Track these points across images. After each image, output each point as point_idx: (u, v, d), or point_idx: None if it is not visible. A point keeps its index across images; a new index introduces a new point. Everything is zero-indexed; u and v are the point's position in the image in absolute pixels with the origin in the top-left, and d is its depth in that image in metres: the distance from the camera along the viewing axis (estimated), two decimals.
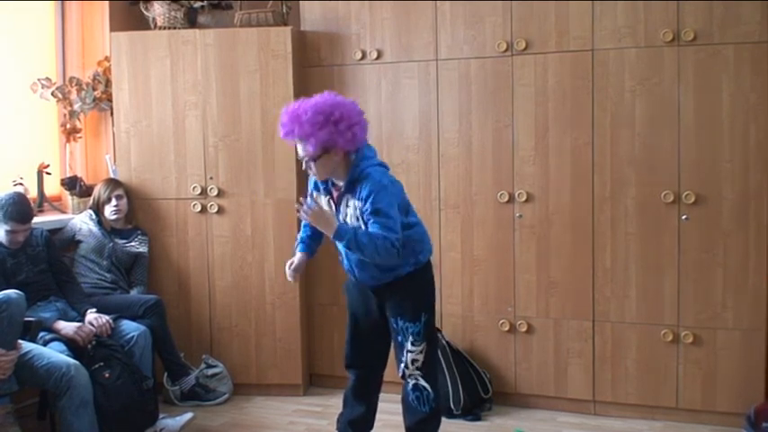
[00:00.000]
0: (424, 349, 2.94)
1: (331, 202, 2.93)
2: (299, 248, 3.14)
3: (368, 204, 2.75)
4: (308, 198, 2.96)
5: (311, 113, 2.70)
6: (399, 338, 2.96)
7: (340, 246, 2.88)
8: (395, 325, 2.96)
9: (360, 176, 2.79)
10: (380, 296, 2.98)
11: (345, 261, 3.01)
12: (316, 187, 3.00)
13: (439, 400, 3.04)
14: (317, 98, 2.78)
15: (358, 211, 2.80)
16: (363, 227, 2.80)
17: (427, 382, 2.96)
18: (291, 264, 3.08)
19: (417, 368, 2.94)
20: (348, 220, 2.85)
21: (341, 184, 2.87)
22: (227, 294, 4.21)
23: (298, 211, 2.79)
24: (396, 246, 2.72)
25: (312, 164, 2.79)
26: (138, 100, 4.18)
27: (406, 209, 2.93)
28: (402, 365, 2.97)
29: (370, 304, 3.03)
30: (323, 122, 2.69)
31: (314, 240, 3.15)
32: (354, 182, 2.80)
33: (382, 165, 2.92)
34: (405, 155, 4.06)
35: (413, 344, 2.92)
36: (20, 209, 3.39)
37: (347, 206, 2.85)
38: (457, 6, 3.91)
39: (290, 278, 3.09)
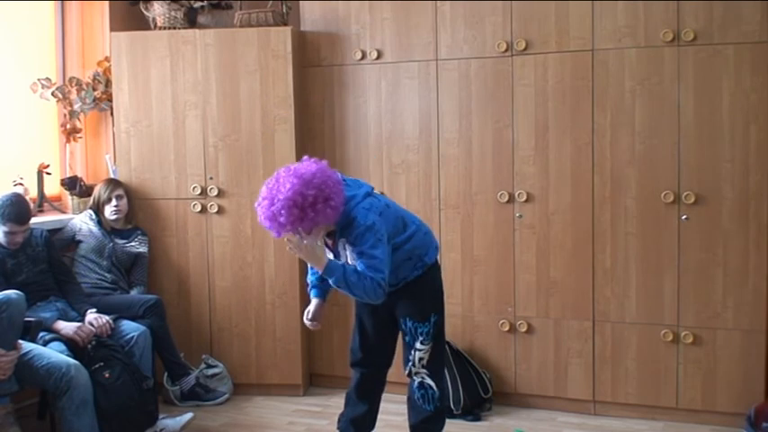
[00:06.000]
0: (431, 348, 2.95)
1: (327, 245, 2.91)
2: (312, 294, 3.10)
3: (355, 246, 2.78)
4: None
5: (285, 212, 2.63)
6: (407, 339, 2.97)
7: None
8: (404, 326, 2.97)
9: (348, 219, 2.78)
10: (390, 298, 2.97)
11: None
12: None
13: (444, 400, 3.05)
14: (284, 183, 2.66)
15: (355, 254, 2.81)
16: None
17: (433, 380, 2.97)
18: (308, 313, 3.08)
19: (423, 366, 2.96)
20: (350, 261, 2.86)
21: (334, 228, 2.85)
22: (227, 294, 4.21)
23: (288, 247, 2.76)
24: (381, 286, 2.74)
25: (307, 237, 2.76)
26: (138, 100, 4.18)
27: (402, 225, 2.93)
28: (409, 363, 2.98)
29: (378, 305, 3.02)
30: (299, 214, 2.64)
31: (324, 281, 3.01)
32: (345, 226, 2.80)
33: (367, 195, 2.86)
34: (405, 155, 4.06)
35: (422, 343, 2.94)
36: (18, 210, 3.38)
37: (345, 249, 2.86)
38: (457, 6, 3.91)
39: (311, 327, 3.11)
